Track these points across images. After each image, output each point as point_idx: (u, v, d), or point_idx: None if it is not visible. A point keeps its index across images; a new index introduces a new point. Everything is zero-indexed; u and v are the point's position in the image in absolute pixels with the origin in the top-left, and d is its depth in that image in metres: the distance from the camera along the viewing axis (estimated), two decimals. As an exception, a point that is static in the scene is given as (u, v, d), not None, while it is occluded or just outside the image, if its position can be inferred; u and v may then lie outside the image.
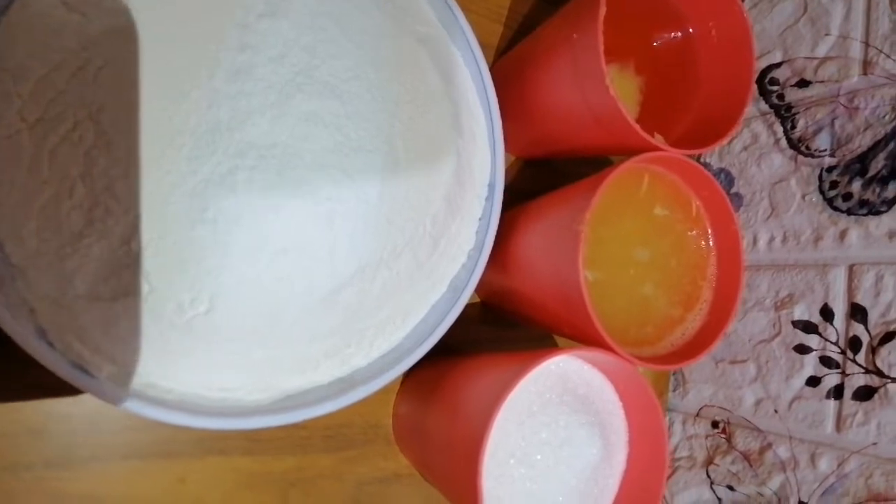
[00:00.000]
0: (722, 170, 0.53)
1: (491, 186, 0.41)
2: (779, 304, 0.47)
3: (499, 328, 0.48)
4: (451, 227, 0.40)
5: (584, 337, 0.36)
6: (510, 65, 0.45)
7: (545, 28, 0.42)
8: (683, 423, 0.53)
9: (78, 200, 0.31)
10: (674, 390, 0.55)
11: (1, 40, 0.30)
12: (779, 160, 0.49)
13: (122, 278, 0.31)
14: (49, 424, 0.35)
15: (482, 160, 0.41)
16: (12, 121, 0.30)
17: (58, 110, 0.31)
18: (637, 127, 0.34)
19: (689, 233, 0.40)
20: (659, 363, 0.36)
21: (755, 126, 0.51)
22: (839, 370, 0.43)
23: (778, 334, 0.47)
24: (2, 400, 0.34)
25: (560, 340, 0.49)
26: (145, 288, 0.32)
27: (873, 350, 0.41)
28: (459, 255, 0.40)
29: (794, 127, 0.48)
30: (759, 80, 0.51)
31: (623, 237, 0.38)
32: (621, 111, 0.34)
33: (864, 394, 0.41)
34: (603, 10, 0.33)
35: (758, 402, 0.47)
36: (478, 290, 0.45)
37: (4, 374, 0.35)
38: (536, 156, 0.48)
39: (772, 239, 0.49)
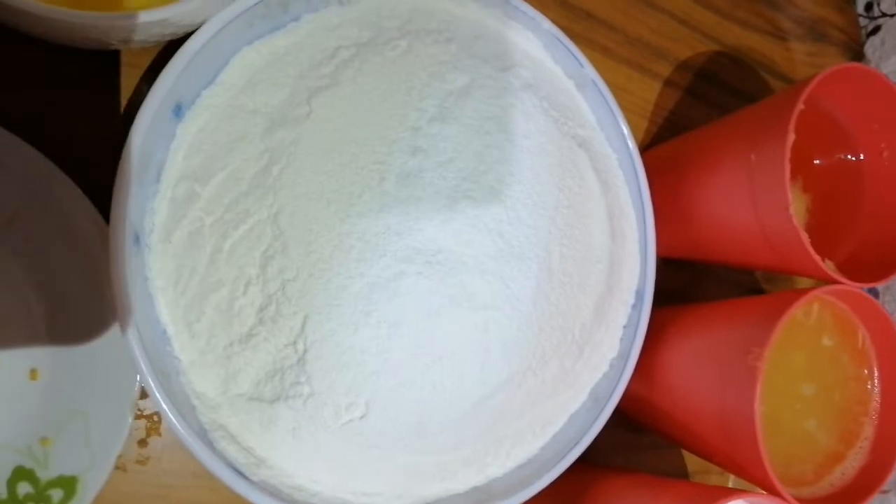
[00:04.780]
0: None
1: (639, 293, 0.40)
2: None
3: (633, 433, 0.46)
4: (596, 334, 0.39)
5: (743, 473, 0.34)
6: (660, 164, 0.44)
7: (708, 134, 0.40)
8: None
9: (250, 299, 0.31)
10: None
11: (187, 144, 0.31)
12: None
13: (284, 380, 0.31)
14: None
15: (632, 266, 0.40)
16: (196, 216, 0.31)
17: (238, 210, 0.31)
18: (817, 258, 0.33)
19: (854, 365, 0.37)
20: (827, 508, 0.34)
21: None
22: None
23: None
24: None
25: (696, 460, 0.47)
26: (306, 390, 0.31)
27: None
28: (602, 363, 0.39)
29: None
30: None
31: (790, 368, 0.36)
32: (801, 241, 0.32)
33: None
34: (791, 139, 0.32)
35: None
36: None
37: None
38: (678, 256, 0.47)
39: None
